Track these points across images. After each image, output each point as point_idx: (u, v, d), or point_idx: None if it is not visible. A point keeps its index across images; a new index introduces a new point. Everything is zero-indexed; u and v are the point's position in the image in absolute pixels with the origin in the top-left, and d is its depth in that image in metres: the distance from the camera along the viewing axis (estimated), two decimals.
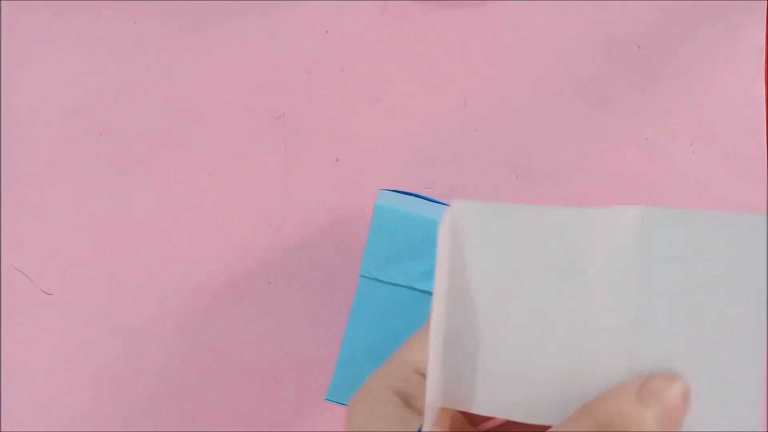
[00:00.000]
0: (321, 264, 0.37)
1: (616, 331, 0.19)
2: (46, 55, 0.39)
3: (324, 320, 0.36)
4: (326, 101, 0.38)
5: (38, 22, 0.39)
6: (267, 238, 0.37)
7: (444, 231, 0.19)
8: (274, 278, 0.36)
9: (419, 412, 0.20)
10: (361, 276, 0.29)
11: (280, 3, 0.39)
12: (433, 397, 0.19)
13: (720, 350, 0.18)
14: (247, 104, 0.38)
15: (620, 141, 0.37)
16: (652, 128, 0.37)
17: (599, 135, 0.37)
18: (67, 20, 0.39)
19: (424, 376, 0.20)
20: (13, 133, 0.38)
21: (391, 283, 0.29)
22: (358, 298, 0.30)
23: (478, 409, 0.20)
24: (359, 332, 0.30)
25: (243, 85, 0.38)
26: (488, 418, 0.23)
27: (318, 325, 0.36)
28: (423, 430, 0.19)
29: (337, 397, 0.30)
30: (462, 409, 0.20)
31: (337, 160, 0.37)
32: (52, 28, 0.39)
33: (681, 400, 0.20)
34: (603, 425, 0.19)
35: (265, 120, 0.38)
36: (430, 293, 0.21)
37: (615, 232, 0.19)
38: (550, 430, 0.19)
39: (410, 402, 0.20)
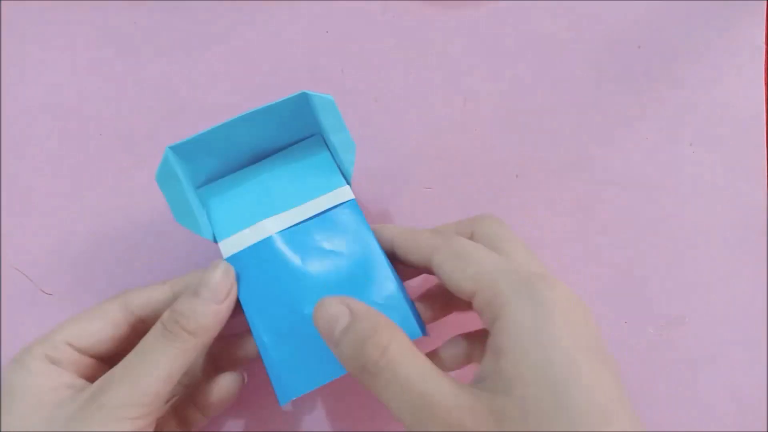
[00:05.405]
0: None
1: None
2: (46, 55, 0.39)
3: None
4: None
5: (38, 22, 0.39)
6: None
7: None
8: None
9: (65, 368, 0.27)
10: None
11: (280, 3, 0.39)
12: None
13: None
14: (247, 104, 0.38)
15: (620, 141, 0.37)
16: (652, 128, 0.37)
17: (599, 135, 0.37)
18: (66, 20, 0.39)
19: (72, 346, 0.27)
20: (13, 133, 0.38)
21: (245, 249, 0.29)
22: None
23: None
24: (261, 324, 0.28)
25: (243, 85, 0.38)
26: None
27: None
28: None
29: (290, 395, 0.27)
30: None
31: None
32: (52, 28, 0.39)
33: (224, 277, 0.28)
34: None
35: None
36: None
37: None
38: None
39: (57, 363, 0.26)
